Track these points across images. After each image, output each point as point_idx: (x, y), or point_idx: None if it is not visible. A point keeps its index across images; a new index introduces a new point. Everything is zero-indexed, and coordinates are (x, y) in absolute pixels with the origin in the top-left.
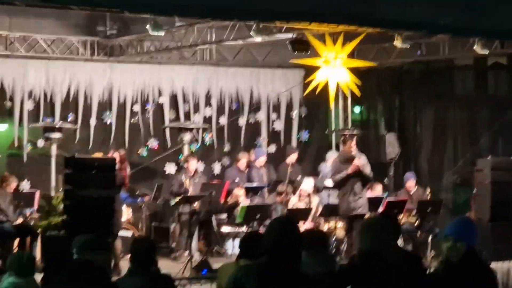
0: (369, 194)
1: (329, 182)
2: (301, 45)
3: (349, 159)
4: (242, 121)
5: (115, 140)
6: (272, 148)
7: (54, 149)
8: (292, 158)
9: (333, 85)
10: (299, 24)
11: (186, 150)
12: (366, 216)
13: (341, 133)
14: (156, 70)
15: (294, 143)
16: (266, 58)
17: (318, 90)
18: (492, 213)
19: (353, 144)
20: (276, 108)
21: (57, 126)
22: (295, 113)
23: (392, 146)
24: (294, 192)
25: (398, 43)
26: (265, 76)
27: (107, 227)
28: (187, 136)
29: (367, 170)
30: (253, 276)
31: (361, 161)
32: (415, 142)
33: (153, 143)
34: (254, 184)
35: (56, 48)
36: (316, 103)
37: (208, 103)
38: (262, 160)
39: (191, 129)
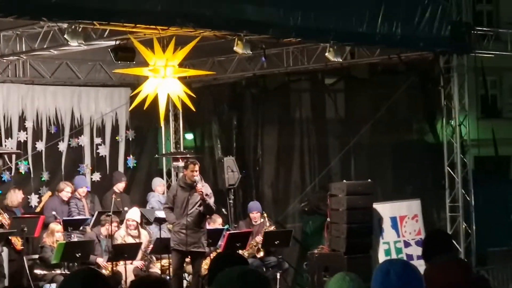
0: (208, 226)
1: (160, 213)
2: (126, 53)
3: (191, 186)
4: (62, 146)
5: None
6: (97, 176)
7: None
8: (119, 186)
9: (163, 98)
10: (122, 27)
11: None
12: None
13: (174, 156)
14: None
15: (121, 169)
16: (89, 75)
17: (147, 104)
18: (349, 244)
19: (196, 168)
20: (101, 132)
21: None
22: (121, 137)
23: (231, 171)
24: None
25: (238, 48)
26: (87, 96)
27: None
28: None
29: (212, 200)
30: None
31: (205, 189)
32: (257, 167)
33: None
34: (74, 218)
35: None
36: (144, 126)
37: (22, 126)
38: (83, 190)
39: (0, 156)
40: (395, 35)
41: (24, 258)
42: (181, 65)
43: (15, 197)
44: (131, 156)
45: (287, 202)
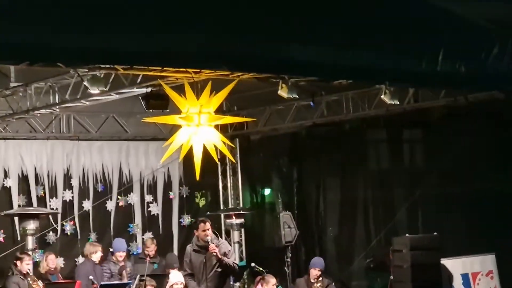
0: None
1: None
2: (158, 100)
3: (205, 247)
4: (110, 205)
5: None
6: (148, 236)
7: None
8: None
9: (199, 148)
10: (148, 71)
11: (30, 243)
12: None
13: (226, 214)
14: (1, 146)
15: (175, 229)
16: (137, 128)
17: (182, 155)
18: None
19: (207, 227)
20: (152, 188)
21: None
22: (174, 194)
23: (288, 228)
24: None
25: (283, 92)
26: (136, 151)
27: None
28: (30, 225)
29: (232, 258)
30: None
31: (223, 247)
32: (319, 221)
33: None
34: (113, 282)
35: None
36: (200, 181)
37: (68, 184)
38: (120, 254)
39: (36, 216)
40: (459, 73)
41: None
42: (236, 114)
43: (49, 263)
44: (185, 214)
45: (352, 259)
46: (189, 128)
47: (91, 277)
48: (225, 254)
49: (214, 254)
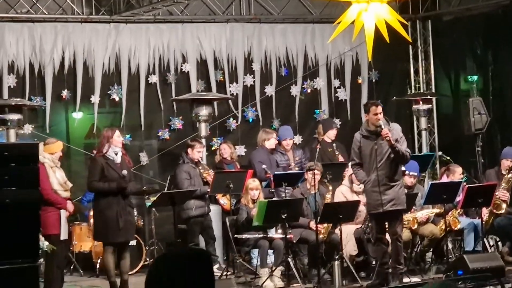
0: (446, 179)
1: None
2: None
3: (376, 133)
4: (295, 90)
5: (127, 121)
6: (336, 123)
7: None
8: (330, 134)
9: (370, 26)
10: None
11: (203, 130)
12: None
13: (413, 99)
14: (178, 30)
15: (363, 114)
16: (324, 10)
17: (356, 34)
18: None
19: (378, 110)
20: (339, 73)
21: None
22: (363, 78)
23: (477, 114)
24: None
25: None
26: (322, 33)
27: (32, 243)
28: (203, 111)
29: (403, 146)
30: None
31: (395, 133)
32: None
33: (176, 123)
34: (287, 172)
35: (42, 5)
36: (390, 65)
37: (249, 69)
38: (286, 143)
39: (209, 101)
40: None
41: (227, 219)
42: None
43: (222, 152)
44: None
45: None
46: (359, 5)
47: (264, 166)
48: (396, 141)
49: (387, 138)
